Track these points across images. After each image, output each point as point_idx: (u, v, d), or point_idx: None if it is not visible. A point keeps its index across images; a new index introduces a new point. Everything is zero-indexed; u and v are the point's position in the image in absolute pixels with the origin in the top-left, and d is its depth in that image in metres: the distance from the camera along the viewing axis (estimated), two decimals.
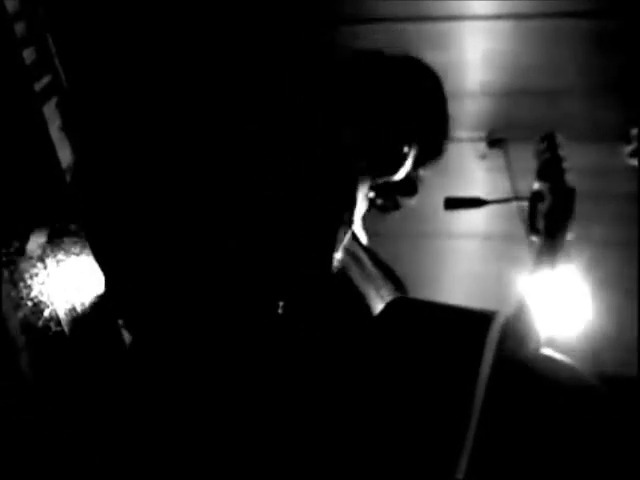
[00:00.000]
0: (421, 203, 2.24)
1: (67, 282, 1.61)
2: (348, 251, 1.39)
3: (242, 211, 1.34)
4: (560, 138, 1.49)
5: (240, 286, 1.30)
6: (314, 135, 1.42)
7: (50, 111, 1.82)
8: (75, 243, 1.64)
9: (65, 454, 1.48)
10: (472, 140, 2.31)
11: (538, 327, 1.35)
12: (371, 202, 1.55)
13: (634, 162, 2.16)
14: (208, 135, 1.49)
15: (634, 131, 2.14)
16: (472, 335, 1.23)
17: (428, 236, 2.60)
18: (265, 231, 1.32)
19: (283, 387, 1.24)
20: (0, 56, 1.72)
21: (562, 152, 1.49)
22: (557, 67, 2.09)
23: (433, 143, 1.57)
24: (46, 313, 1.54)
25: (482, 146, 2.32)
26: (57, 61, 1.90)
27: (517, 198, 1.87)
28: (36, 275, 1.54)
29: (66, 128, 1.83)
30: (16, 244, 1.53)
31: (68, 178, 1.75)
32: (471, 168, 2.39)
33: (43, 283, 1.55)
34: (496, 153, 2.31)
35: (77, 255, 1.63)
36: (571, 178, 1.50)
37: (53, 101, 1.85)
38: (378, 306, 1.35)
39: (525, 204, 1.54)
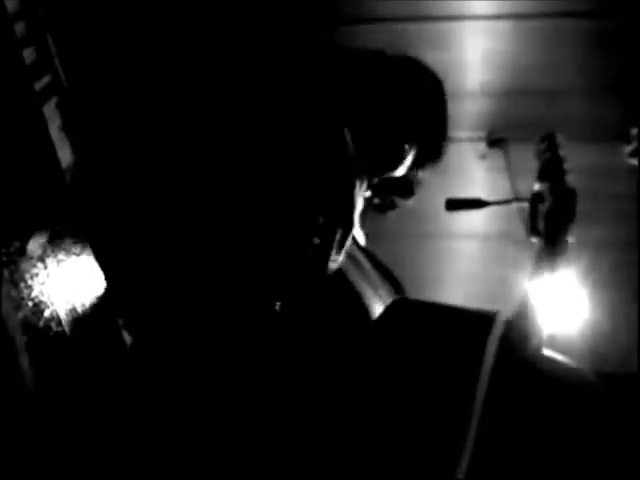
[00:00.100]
0: (421, 204, 2.24)
1: (68, 282, 1.61)
2: (347, 252, 1.39)
3: (242, 211, 1.34)
4: (560, 138, 1.49)
5: (239, 286, 1.30)
6: (314, 135, 1.42)
7: (50, 111, 1.82)
8: (76, 243, 1.64)
9: (65, 454, 1.48)
10: (472, 140, 2.32)
11: (540, 327, 1.35)
12: (368, 202, 1.55)
13: (634, 162, 2.16)
14: (208, 135, 1.49)
15: (634, 131, 2.14)
16: (473, 336, 1.24)
17: (428, 236, 2.60)
18: (265, 231, 1.32)
19: (283, 387, 1.24)
20: (0, 56, 1.71)
21: (562, 152, 1.49)
22: (557, 67, 2.10)
23: (432, 144, 1.57)
24: (47, 313, 1.54)
25: (482, 146, 2.32)
26: (57, 61, 1.90)
27: (518, 199, 1.87)
28: (37, 275, 1.54)
29: (66, 128, 1.83)
30: (16, 244, 1.53)
31: (68, 178, 1.74)
32: (471, 168, 2.39)
33: (44, 283, 1.55)
34: (496, 153, 2.31)
35: (78, 255, 1.63)
36: (571, 178, 1.50)
37: (53, 101, 1.84)
38: (376, 307, 1.35)
39: (525, 205, 1.54)
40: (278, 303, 1.27)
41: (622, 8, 1.94)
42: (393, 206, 1.64)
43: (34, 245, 1.55)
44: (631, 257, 2.33)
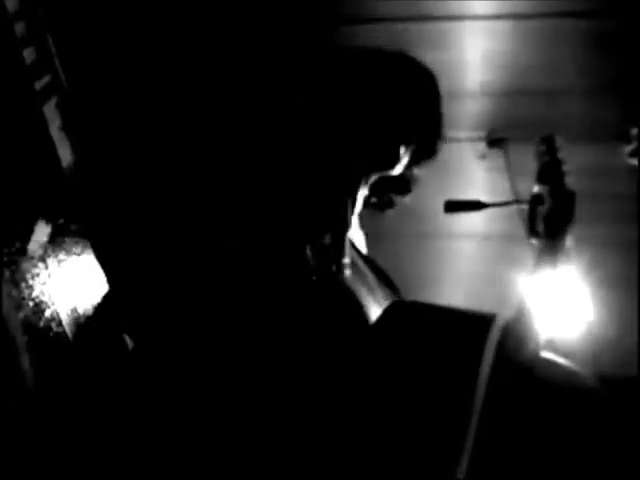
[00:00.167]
0: (421, 203, 2.24)
1: (69, 282, 1.61)
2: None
3: (242, 211, 1.34)
4: (560, 140, 1.49)
5: (240, 286, 1.30)
6: (314, 135, 1.43)
7: (50, 111, 1.82)
8: (76, 243, 1.63)
9: (65, 454, 1.48)
10: (472, 140, 2.31)
11: (538, 329, 1.35)
12: (366, 201, 1.55)
13: (634, 162, 2.16)
14: (208, 135, 1.49)
15: (634, 131, 2.14)
16: (472, 338, 1.24)
17: (428, 236, 2.60)
18: (265, 231, 1.32)
19: (284, 388, 1.24)
20: (0, 56, 1.71)
21: (562, 153, 1.49)
22: (557, 67, 2.10)
23: (428, 143, 1.57)
24: (47, 313, 1.54)
25: (482, 146, 2.32)
26: (57, 61, 1.90)
27: (517, 201, 1.87)
28: (37, 275, 1.54)
29: (66, 128, 1.83)
30: (17, 244, 1.52)
31: (68, 178, 1.74)
32: (471, 168, 2.39)
33: (44, 283, 1.55)
34: (496, 153, 2.31)
35: (79, 255, 1.63)
36: (571, 178, 1.50)
37: (53, 101, 1.84)
38: (374, 310, 1.35)
39: (525, 207, 1.54)
40: (281, 302, 1.27)
41: (622, 8, 1.94)
42: (391, 204, 1.65)
43: (35, 245, 1.55)
44: (631, 257, 2.33)
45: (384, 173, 1.53)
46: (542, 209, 1.48)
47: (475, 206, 1.67)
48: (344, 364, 1.25)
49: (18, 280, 1.48)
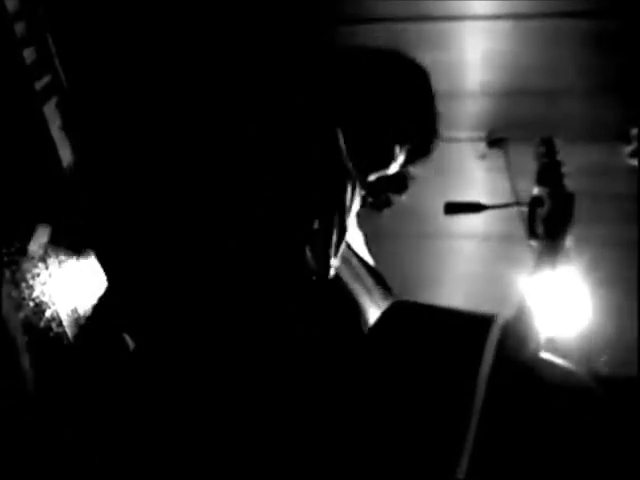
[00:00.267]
0: (421, 204, 2.24)
1: (69, 283, 1.61)
2: (342, 257, 1.39)
3: (242, 211, 1.34)
4: (559, 142, 1.50)
5: (240, 286, 1.30)
6: (314, 135, 1.43)
7: (50, 111, 1.82)
8: (77, 243, 1.63)
9: (65, 454, 1.48)
10: (472, 140, 2.31)
11: (537, 329, 1.35)
12: (363, 200, 1.56)
13: (634, 162, 2.16)
14: (208, 135, 1.49)
15: (634, 131, 2.14)
16: (472, 338, 1.24)
17: (428, 236, 2.60)
18: (265, 231, 1.32)
19: (284, 388, 1.24)
20: (0, 56, 1.71)
21: (561, 154, 1.49)
22: (557, 67, 2.09)
23: (423, 141, 1.58)
24: (48, 314, 1.54)
25: (482, 146, 2.31)
26: (57, 61, 1.90)
27: (517, 203, 1.87)
28: (38, 275, 1.54)
29: (66, 128, 1.83)
30: (17, 244, 1.52)
31: (69, 178, 1.74)
32: (471, 168, 2.39)
33: (45, 283, 1.55)
34: (496, 153, 2.30)
35: (79, 255, 1.63)
36: (571, 178, 1.50)
37: (53, 101, 1.84)
38: (371, 310, 1.35)
39: (525, 208, 1.54)
40: (281, 302, 1.27)
41: (622, 8, 1.94)
42: (388, 204, 1.65)
43: (35, 245, 1.55)
44: (631, 257, 2.32)
45: (380, 172, 1.53)
46: (541, 210, 1.48)
47: (475, 208, 1.67)
48: (344, 364, 1.25)
49: (18, 280, 1.48)
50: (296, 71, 1.76)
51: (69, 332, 1.56)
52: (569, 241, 1.46)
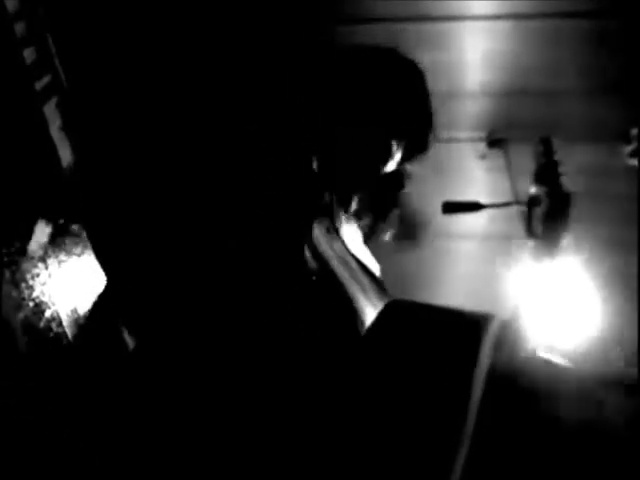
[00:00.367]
0: (421, 203, 2.24)
1: (69, 283, 1.60)
2: (338, 256, 1.39)
3: (242, 211, 1.34)
4: (557, 142, 1.50)
5: (240, 286, 1.30)
6: (313, 134, 1.43)
7: (50, 111, 1.81)
8: (77, 243, 1.63)
9: (65, 454, 1.48)
10: (472, 140, 2.32)
11: (534, 329, 1.35)
12: (362, 199, 1.56)
13: (634, 162, 2.16)
14: (208, 135, 1.49)
15: (634, 131, 2.14)
16: (468, 337, 1.23)
17: (428, 236, 2.60)
18: (265, 231, 1.32)
19: (284, 388, 1.24)
20: (0, 56, 1.71)
21: (562, 154, 1.50)
22: (557, 67, 2.10)
23: (419, 138, 1.58)
24: (48, 314, 1.53)
25: (482, 146, 2.32)
26: (57, 61, 1.90)
27: (515, 202, 1.87)
28: (38, 276, 1.54)
29: (66, 128, 1.82)
30: (17, 244, 1.52)
31: (68, 178, 1.74)
32: (471, 168, 2.39)
33: (45, 284, 1.55)
34: (496, 153, 2.31)
35: (79, 255, 1.63)
36: (571, 178, 1.51)
37: (53, 101, 1.84)
38: (366, 309, 1.35)
39: (523, 208, 1.55)
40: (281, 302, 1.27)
41: (622, 9, 1.94)
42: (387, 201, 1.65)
43: (35, 245, 1.55)
44: (631, 257, 2.33)
45: (379, 170, 1.54)
46: (539, 209, 1.48)
47: (473, 207, 1.67)
48: (342, 364, 1.25)
49: (18, 280, 1.48)
50: (296, 71, 1.76)
51: (69, 332, 1.56)
52: (567, 240, 1.46)
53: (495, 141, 2.29)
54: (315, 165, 1.42)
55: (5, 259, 1.47)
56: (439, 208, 1.70)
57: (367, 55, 1.55)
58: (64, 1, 1.93)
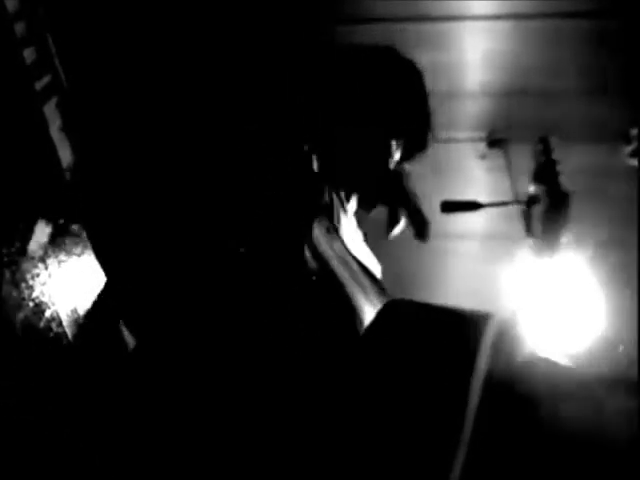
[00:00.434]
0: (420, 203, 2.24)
1: (69, 283, 1.61)
2: (337, 256, 1.39)
3: (242, 211, 1.35)
4: (556, 141, 1.50)
5: (240, 286, 1.30)
6: (314, 135, 1.43)
7: (50, 111, 1.82)
8: (77, 243, 1.63)
9: (65, 454, 1.48)
10: (472, 140, 2.32)
11: (530, 333, 1.34)
12: (361, 198, 1.56)
13: (634, 162, 2.16)
14: (208, 135, 1.49)
15: (634, 131, 2.14)
16: (467, 337, 1.23)
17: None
18: (265, 231, 1.32)
19: (284, 388, 1.24)
20: (0, 56, 1.71)
21: (562, 154, 1.50)
22: (557, 67, 2.10)
23: (418, 136, 1.58)
24: (47, 314, 1.54)
25: (482, 146, 2.32)
26: (57, 61, 1.90)
27: (513, 202, 1.87)
28: (38, 276, 1.54)
29: (66, 128, 1.83)
30: (17, 244, 1.52)
31: (68, 178, 1.74)
32: (471, 168, 2.39)
33: (45, 284, 1.55)
34: (496, 153, 2.31)
35: (79, 255, 1.63)
36: (571, 178, 1.51)
37: (53, 101, 1.84)
38: (365, 308, 1.35)
39: (521, 207, 1.55)
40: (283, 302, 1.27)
41: (622, 9, 1.94)
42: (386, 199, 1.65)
43: (35, 245, 1.55)
44: (631, 257, 2.33)
45: (378, 169, 1.54)
46: (538, 208, 1.48)
47: (471, 206, 1.67)
48: (340, 364, 1.25)
49: (18, 280, 1.49)
50: (296, 71, 1.77)
51: (69, 332, 1.56)
52: (566, 239, 1.46)
53: (495, 141, 2.29)
54: (315, 165, 1.42)
55: (5, 259, 1.47)
56: (438, 208, 1.70)
57: (365, 55, 1.55)
58: (64, 1, 1.93)
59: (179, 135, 1.58)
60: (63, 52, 1.90)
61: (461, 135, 2.29)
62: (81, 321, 1.59)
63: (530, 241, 1.52)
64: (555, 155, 1.51)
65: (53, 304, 1.54)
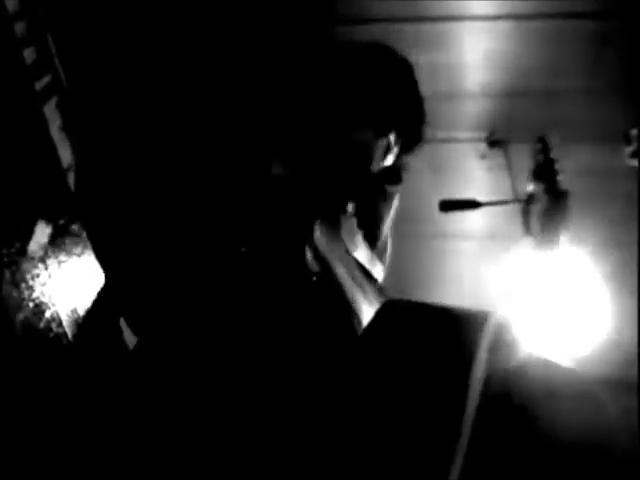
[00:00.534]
0: (420, 203, 2.24)
1: (69, 283, 1.61)
2: (337, 256, 1.39)
3: (242, 211, 1.35)
4: (555, 140, 1.50)
5: (240, 286, 1.30)
6: (313, 134, 1.43)
7: (50, 111, 1.82)
8: (77, 243, 1.64)
9: (65, 454, 1.48)
10: (472, 140, 2.32)
11: (529, 334, 1.34)
12: (361, 196, 1.56)
13: (634, 163, 2.16)
14: (208, 135, 1.49)
15: (634, 132, 2.14)
16: (466, 336, 1.23)
17: (428, 236, 2.60)
18: (265, 231, 1.32)
19: (283, 388, 1.24)
20: (0, 56, 1.71)
21: (562, 154, 1.50)
22: (558, 68, 2.10)
23: (413, 129, 1.58)
24: (47, 314, 1.54)
25: (482, 146, 2.32)
26: (57, 61, 1.90)
27: (512, 200, 1.87)
28: (38, 276, 1.54)
29: (66, 128, 1.83)
30: (17, 244, 1.53)
31: (68, 178, 1.75)
32: (471, 168, 2.39)
33: (45, 284, 1.55)
34: (496, 153, 2.31)
35: (79, 255, 1.63)
36: (571, 178, 1.51)
37: (53, 101, 1.84)
38: (364, 308, 1.35)
39: (521, 206, 1.55)
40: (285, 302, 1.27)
41: (624, 9, 1.94)
42: (386, 197, 1.65)
43: (35, 246, 1.55)
44: (631, 257, 2.33)
45: (378, 164, 1.54)
46: (537, 207, 1.49)
47: (470, 205, 1.67)
48: (339, 365, 1.25)
49: (18, 281, 1.49)
50: (295, 71, 1.77)
51: (69, 332, 1.57)
52: (565, 238, 1.46)
53: (496, 141, 2.29)
54: (315, 165, 1.42)
55: (5, 259, 1.47)
56: (438, 207, 1.70)
57: (353, 52, 1.55)
58: (64, 1, 1.93)
59: (179, 135, 1.58)
60: (63, 52, 1.90)
61: (461, 135, 2.29)
62: (81, 321, 1.59)
63: (529, 240, 1.52)
64: (554, 154, 1.51)
65: (53, 304, 1.55)
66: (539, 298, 1.46)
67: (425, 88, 1.57)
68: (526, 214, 1.53)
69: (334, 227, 1.41)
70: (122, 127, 1.81)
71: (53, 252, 1.59)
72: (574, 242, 1.52)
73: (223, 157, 1.43)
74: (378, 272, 1.57)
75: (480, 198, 1.72)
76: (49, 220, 1.61)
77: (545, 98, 2.17)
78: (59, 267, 1.59)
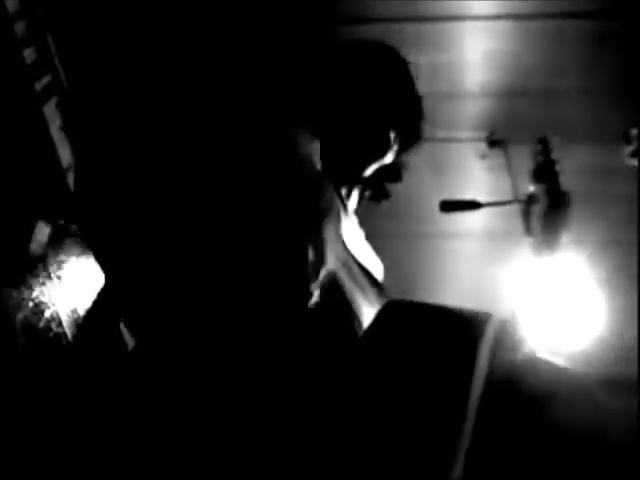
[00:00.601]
0: (420, 203, 2.24)
1: (68, 283, 1.61)
2: (338, 257, 1.39)
3: (242, 211, 1.34)
4: (555, 140, 1.50)
5: (240, 286, 1.30)
6: (315, 134, 1.43)
7: (50, 111, 1.82)
8: (76, 243, 1.64)
9: (65, 454, 1.48)
10: (472, 140, 2.32)
11: (529, 334, 1.34)
12: (361, 195, 1.56)
13: (634, 163, 2.16)
14: (208, 135, 1.49)
15: (634, 131, 2.14)
16: (467, 337, 1.23)
17: (428, 236, 2.60)
18: (265, 231, 1.32)
19: (284, 388, 1.24)
20: (0, 56, 1.71)
21: (562, 154, 1.50)
22: (558, 68, 2.10)
23: (412, 126, 1.58)
24: (47, 314, 1.54)
25: (482, 146, 2.32)
26: (57, 61, 1.90)
27: (512, 201, 1.87)
28: (37, 276, 1.54)
29: (66, 128, 1.83)
30: (17, 244, 1.53)
31: (68, 178, 1.74)
32: (471, 168, 2.39)
33: (44, 284, 1.55)
34: (496, 153, 2.31)
35: (78, 256, 1.63)
36: (571, 178, 1.51)
37: (53, 101, 1.84)
38: (364, 309, 1.35)
39: (521, 206, 1.55)
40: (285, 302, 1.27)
41: (624, 9, 1.94)
42: (386, 195, 1.65)
43: (35, 246, 1.55)
44: (631, 258, 2.33)
45: (378, 162, 1.54)
46: (537, 208, 1.49)
47: (470, 206, 1.67)
48: (340, 365, 1.24)
49: (18, 281, 1.49)
50: (296, 70, 1.77)
51: (69, 332, 1.56)
52: (566, 238, 1.46)
53: (496, 141, 2.29)
54: (315, 165, 1.42)
55: (5, 259, 1.47)
56: (438, 207, 1.70)
57: (351, 51, 1.56)
58: (64, 1, 1.93)
59: (179, 135, 1.58)
60: (63, 52, 1.90)
61: (461, 135, 2.29)
62: (81, 321, 1.59)
63: (530, 240, 1.52)
64: (555, 155, 1.51)
65: (53, 304, 1.54)
66: (539, 298, 1.46)
67: (425, 88, 1.57)
68: (526, 214, 1.53)
69: (334, 227, 1.41)
70: (122, 127, 1.81)
71: (53, 252, 1.59)
72: (574, 242, 1.51)
73: (223, 157, 1.43)
74: (378, 272, 1.57)
75: (480, 198, 1.72)
76: (49, 220, 1.61)
77: (545, 98, 2.18)
78: (59, 267, 1.59)
